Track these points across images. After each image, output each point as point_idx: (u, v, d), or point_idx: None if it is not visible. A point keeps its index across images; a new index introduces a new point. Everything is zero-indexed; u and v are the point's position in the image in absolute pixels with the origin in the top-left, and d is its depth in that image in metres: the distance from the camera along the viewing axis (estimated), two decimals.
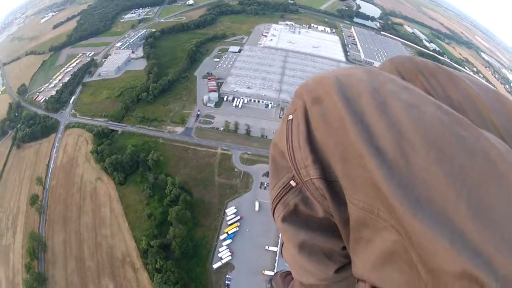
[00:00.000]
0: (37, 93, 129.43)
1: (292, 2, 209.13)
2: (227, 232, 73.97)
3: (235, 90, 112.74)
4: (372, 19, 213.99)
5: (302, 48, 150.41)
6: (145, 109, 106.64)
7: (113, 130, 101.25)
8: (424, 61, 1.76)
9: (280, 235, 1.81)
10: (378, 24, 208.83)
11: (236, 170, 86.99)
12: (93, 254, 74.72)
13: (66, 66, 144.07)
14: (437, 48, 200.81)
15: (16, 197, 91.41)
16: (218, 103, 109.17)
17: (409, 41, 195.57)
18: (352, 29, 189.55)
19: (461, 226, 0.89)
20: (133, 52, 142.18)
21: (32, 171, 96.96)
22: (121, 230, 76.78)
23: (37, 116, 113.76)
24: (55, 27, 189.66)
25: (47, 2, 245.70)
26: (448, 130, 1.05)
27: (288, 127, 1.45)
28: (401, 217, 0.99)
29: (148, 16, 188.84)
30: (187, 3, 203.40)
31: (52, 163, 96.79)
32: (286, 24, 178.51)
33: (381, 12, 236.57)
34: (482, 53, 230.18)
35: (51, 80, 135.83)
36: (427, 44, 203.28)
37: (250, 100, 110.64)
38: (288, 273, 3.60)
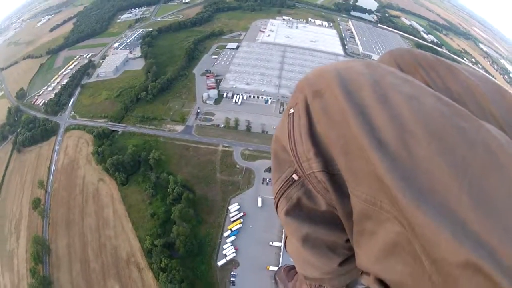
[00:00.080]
0: (36, 97, 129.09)
1: None
2: (230, 229, 73.79)
3: (234, 86, 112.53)
4: (369, 12, 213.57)
5: (300, 43, 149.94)
6: (145, 108, 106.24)
7: (113, 131, 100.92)
8: (423, 54, 1.75)
9: (283, 230, 1.86)
10: (376, 17, 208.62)
11: (237, 166, 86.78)
12: (97, 255, 74.53)
13: (64, 69, 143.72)
14: (435, 40, 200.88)
15: (19, 202, 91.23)
16: (218, 100, 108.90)
17: (407, 33, 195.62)
18: (350, 22, 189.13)
19: (463, 216, 0.89)
20: (130, 52, 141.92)
21: (33, 175, 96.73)
22: (124, 231, 76.55)
23: (36, 120, 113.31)
24: (51, 30, 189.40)
25: (43, 6, 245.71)
26: (449, 122, 1.05)
27: (290, 121, 1.44)
28: (404, 208, 0.99)
29: (144, 16, 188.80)
30: (183, 1, 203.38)
31: (53, 166, 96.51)
32: (283, 19, 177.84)
33: (378, 5, 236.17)
34: (480, 44, 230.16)
35: (49, 83, 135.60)
36: (425, 36, 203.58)
37: (250, 96, 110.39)
38: (292, 267, 3.66)
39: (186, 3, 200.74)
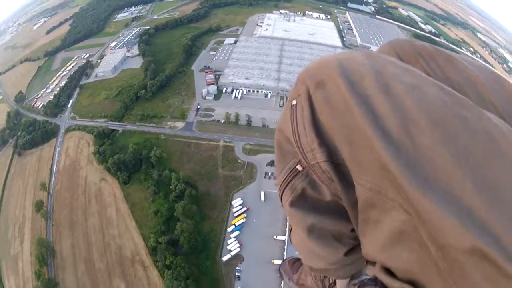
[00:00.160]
0: (35, 99, 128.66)
1: None
2: (234, 224, 73.68)
3: (233, 81, 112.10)
4: (366, 3, 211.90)
5: (298, 36, 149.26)
6: (144, 106, 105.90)
7: (113, 130, 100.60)
8: (423, 44, 1.76)
9: (287, 223, 1.89)
10: (373, 8, 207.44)
11: (239, 161, 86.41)
12: (102, 255, 74.38)
13: (62, 70, 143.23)
14: (433, 30, 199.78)
15: (21, 205, 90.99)
16: (217, 96, 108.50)
17: (404, 24, 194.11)
18: (347, 14, 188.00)
19: (468, 203, 0.90)
20: (128, 51, 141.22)
21: (35, 177, 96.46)
22: (128, 229, 76.35)
23: (36, 122, 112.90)
24: (48, 32, 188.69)
25: (38, 9, 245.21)
26: (451, 111, 1.05)
27: (293, 112, 1.43)
28: (410, 196, 1.00)
29: (141, 14, 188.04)
30: None
31: (54, 167, 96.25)
32: (280, 13, 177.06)
33: None
34: (478, 33, 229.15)
35: (48, 85, 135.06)
36: (422, 26, 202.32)
37: (249, 91, 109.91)
38: (296, 260, 3.74)
39: None
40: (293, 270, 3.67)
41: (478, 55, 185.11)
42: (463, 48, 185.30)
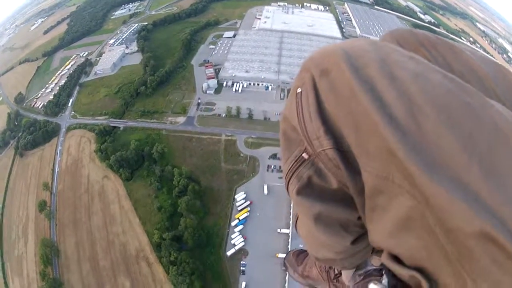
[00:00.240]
0: (35, 100, 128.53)
1: None
2: (238, 218, 73.75)
3: (233, 75, 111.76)
4: None
5: (297, 28, 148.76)
6: (145, 102, 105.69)
7: (115, 127, 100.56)
8: (425, 33, 1.76)
9: (292, 213, 1.89)
10: None
11: (241, 155, 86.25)
12: (106, 253, 74.40)
13: (61, 69, 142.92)
14: (432, 20, 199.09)
15: (24, 206, 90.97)
16: (218, 90, 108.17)
17: (403, 14, 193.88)
18: (346, 5, 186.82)
19: (475, 187, 0.91)
20: (127, 48, 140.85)
21: (37, 177, 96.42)
22: (132, 226, 76.28)
23: (37, 122, 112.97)
24: (45, 32, 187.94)
25: (35, 9, 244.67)
26: (455, 97, 1.07)
27: (298, 100, 1.42)
28: (417, 180, 1.00)
29: (138, 10, 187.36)
30: None
31: (57, 167, 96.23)
32: (278, 5, 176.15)
33: None
34: (477, 23, 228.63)
35: (47, 85, 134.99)
36: (421, 16, 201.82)
37: (250, 84, 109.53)
38: (301, 252, 3.70)
39: None
40: (297, 262, 3.60)
41: (478, 45, 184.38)
42: (462, 38, 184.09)
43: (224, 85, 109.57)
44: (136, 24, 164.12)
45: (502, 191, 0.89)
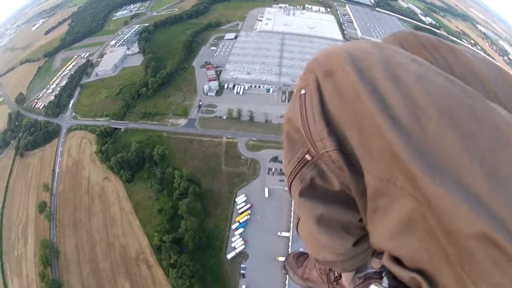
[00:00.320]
0: (36, 100, 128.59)
1: None
2: (238, 221, 73.67)
3: (234, 77, 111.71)
4: None
5: (298, 30, 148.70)
6: (146, 104, 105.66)
7: (115, 129, 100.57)
8: (427, 36, 1.73)
9: (293, 215, 1.91)
10: (372, 1, 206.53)
11: (242, 157, 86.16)
12: (106, 255, 74.33)
13: (62, 70, 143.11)
14: (433, 22, 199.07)
15: (24, 206, 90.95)
16: (219, 92, 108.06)
17: (404, 16, 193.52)
18: (347, 7, 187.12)
19: (477, 189, 0.91)
20: (128, 49, 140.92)
21: (38, 178, 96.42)
22: (132, 228, 76.19)
23: (38, 123, 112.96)
24: (47, 33, 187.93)
25: (36, 10, 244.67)
26: (457, 100, 1.07)
27: (302, 102, 1.42)
28: (420, 182, 1.01)
29: (140, 11, 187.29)
30: None
31: (57, 168, 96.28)
32: (280, 7, 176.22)
33: None
34: (478, 25, 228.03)
35: (48, 86, 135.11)
36: (422, 18, 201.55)
37: (251, 86, 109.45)
38: (301, 254, 3.74)
39: None
40: (297, 264, 3.63)
41: (479, 47, 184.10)
42: (463, 40, 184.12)
43: (225, 87, 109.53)
44: (138, 25, 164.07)
45: (503, 193, 0.90)
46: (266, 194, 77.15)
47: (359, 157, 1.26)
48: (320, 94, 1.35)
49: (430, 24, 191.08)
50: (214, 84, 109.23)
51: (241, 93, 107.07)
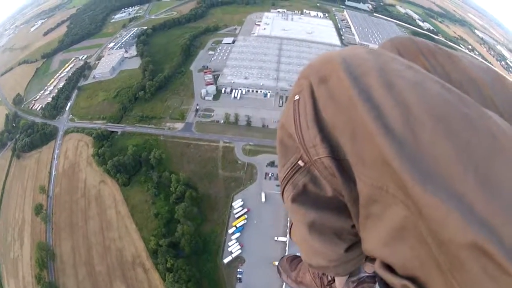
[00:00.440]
0: (33, 102, 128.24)
1: None
2: (235, 226, 73.69)
3: (232, 81, 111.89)
4: (364, 1, 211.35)
5: (296, 35, 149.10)
6: (143, 107, 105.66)
7: (112, 132, 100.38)
8: (424, 42, 1.74)
9: (289, 219, 1.92)
10: (370, 6, 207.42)
11: (239, 162, 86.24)
12: (102, 258, 74.26)
13: (60, 72, 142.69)
14: (431, 27, 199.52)
15: (21, 208, 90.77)
16: (216, 96, 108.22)
17: (402, 22, 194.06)
18: (345, 12, 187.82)
19: (469, 198, 0.91)
20: (126, 52, 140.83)
21: (34, 180, 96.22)
22: (128, 232, 76.18)
23: (35, 125, 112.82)
24: (45, 34, 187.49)
25: (35, 11, 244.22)
26: (452, 107, 1.07)
27: (295, 108, 1.42)
28: (411, 191, 1.00)
29: (138, 14, 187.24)
30: None
31: (54, 170, 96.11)
32: (278, 11, 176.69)
33: None
34: (476, 30, 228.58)
35: (46, 87, 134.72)
36: (420, 23, 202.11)
37: (248, 91, 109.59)
38: (295, 257, 3.71)
39: None
40: (291, 268, 3.65)
41: (476, 52, 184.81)
42: (461, 46, 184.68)
43: (223, 91, 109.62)
44: (136, 28, 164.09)
45: (497, 202, 0.89)
46: (263, 199, 77.19)
47: (351, 164, 1.25)
48: (313, 100, 1.34)
49: (428, 30, 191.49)
50: (212, 89, 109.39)
51: (238, 97, 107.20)
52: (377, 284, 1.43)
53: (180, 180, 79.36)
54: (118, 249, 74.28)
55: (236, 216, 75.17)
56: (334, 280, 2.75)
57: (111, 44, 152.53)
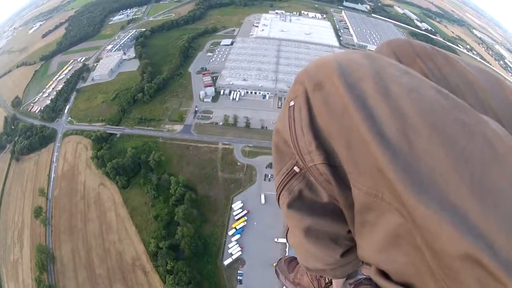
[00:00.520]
0: (32, 104, 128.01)
1: None
2: (235, 227, 73.61)
3: (231, 83, 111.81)
4: (362, 1, 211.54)
5: (294, 36, 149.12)
6: (142, 109, 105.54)
7: (111, 134, 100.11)
8: (421, 44, 1.73)
9: (284, 224, 1.92)
10: (368, 7, 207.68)
11: (239, 164, 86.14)
12: (102, 261, 74.07)
13: (58, 74, 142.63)
14: (429, 28, 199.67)
15: (20, 211, 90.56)
16: (215, 98, 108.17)
17: (400, 22, 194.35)
18: (343, 13, 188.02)
19: (463, 208, 0.90)
20: (124, 54, 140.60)
21: (33, 183, 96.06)
22: (128, 234, 76.05)
23: (33, 127, 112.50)
24: (44, 36, 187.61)
25: (34, 13, 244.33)
26: (449, 114, 1.05)
27: (290, 114, 1.43)
28: (405, 201, 1.00)
29: (136, 16, 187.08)
30: None
31: (53, 173, 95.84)
32: (276, 13, 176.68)
33: None
34: (474, 30, 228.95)
35: (44, 90, 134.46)
36: (418, 24, 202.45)
37: (247, 92, 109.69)
38: (293, 259, 3.68)
39: (178, 1, 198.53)
40: (289, 269, 3.64)
41: (475, 52, 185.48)
42: (459, 45, 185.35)
43: (222, 93, 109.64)
44: (134, 30, 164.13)
45: (492, 213, 0.88)
46: (263, 200, 77.15)
47: (346, 171, 1.25)
48: (309, 106, 1.34)
49: (426, 30, 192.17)
50: (210, 90, 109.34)
51: (237, 99, 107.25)
52: None
53: (179, 182, 79.20)
54: (118, 251, 74.14)
55: (236, 218, 75.07)
56: (331, 282, 2.78)
57: (110, 46, 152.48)
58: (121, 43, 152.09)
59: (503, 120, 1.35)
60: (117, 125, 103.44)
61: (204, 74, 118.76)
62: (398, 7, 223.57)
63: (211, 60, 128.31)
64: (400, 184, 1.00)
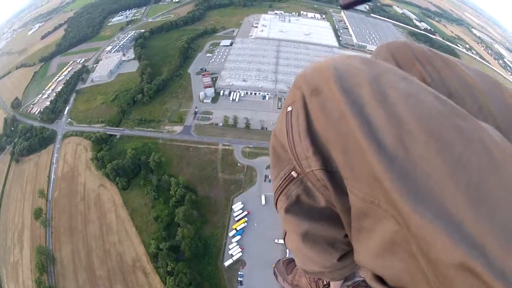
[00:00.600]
0: (32, 105, 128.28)
1: None
2: (235, 228, 73.65)
3: (230, 84, 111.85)
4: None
5: (294, 37, 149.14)
6: (142, 110, 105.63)
7: (111, 135, 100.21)
8: (420, 47, 1.72)
9: (282, 228, 1.92)
10: (368, 7, 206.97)
11: (239, 165, 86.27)
12: (102, 262, 74.07)
13: (58, 75, 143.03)
14: (428, 27, 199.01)
15: (20, 212, 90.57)
16: (215, 99, 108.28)
17: (399, 22, 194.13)
18: (342, 13, 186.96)
19: (459, 217, 0.90)
20: (124, 55, 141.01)
21: (33, 184, 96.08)
22: (129, 236, 76.03)
23: (33, 129, 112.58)
24: (43, 37, 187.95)
25: (33, 14, 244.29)
26: (446, 120, 1.05)
27: (288, 119, 1.42)
28: (401, 209, 1.00)
29: (135, 17, 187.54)
30: (174, 0, 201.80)
31: (53, 174, 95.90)
32: (275, 13, 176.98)
33: None
34: (473, 30, 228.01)
35: (44, 91, 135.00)
36: (417, 23, 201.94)
37: (247, 93, 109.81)
38: (291, 260, 3.76)
39: (177, 2, 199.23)
40: (287, 271, 3.70)
41: (474, 51, 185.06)
42: (458, 45, 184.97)
43: (221, 94, 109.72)
44: (133, 31, 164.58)
45: (487, 221, 0.88)
46: (263, 201, 77.11)
47: (344, 177, 1.25)
48: (306, 112, 1.34)
49: (425, 30, 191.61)
50: (210, 91, 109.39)
51: (237, 100, 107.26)
52: None
53: (179, 183, 79.27)
54: (119, 253, 74.11)
55: (236, 219, 75.13)
56: (329, 284, 2.79)
57: (109, 47, 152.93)
58: (120, 44, 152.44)
59: (501, 124, 1.35)
60: (116, 126, 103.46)
61: (204, 75, 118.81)
62: (397, 6, 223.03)
63: (210, 61, 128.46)
64: (395, 193, 1.00)
